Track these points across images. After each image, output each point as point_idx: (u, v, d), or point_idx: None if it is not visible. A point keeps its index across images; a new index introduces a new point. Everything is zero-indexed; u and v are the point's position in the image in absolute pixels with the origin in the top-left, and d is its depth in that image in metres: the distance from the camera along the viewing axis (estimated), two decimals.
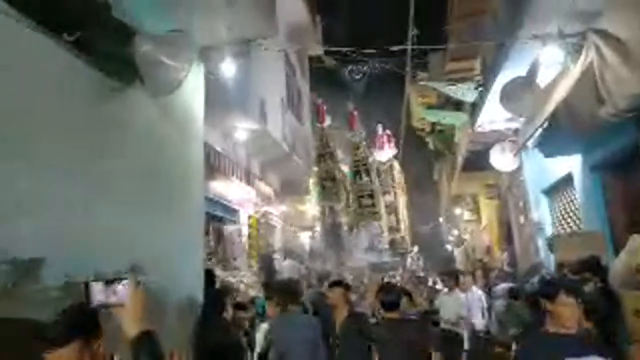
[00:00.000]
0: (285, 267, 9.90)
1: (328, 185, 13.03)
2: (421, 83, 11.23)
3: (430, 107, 13.17)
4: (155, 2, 3.53)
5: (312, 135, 13.55)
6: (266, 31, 4.64)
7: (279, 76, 10.09)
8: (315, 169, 13.32)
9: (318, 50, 13.41)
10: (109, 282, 1.45)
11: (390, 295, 3.94)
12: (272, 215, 11.16)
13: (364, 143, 14.70)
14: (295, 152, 10.82)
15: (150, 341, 1.42)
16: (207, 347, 3.60)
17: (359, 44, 7.21)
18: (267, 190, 10.96)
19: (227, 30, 4.29)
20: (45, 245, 2.67)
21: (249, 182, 9.60)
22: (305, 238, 14.09)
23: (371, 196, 14.50)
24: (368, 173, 14.52)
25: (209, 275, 4.57)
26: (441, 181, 22.68)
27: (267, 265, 9.53)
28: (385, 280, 10.55)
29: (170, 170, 4.13)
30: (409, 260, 15.34)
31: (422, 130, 14.80)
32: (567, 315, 2.56)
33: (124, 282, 1.45)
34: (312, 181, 13.58)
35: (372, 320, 4.46)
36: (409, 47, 8.94)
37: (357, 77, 11.14)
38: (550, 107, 5.39)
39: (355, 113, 14.80)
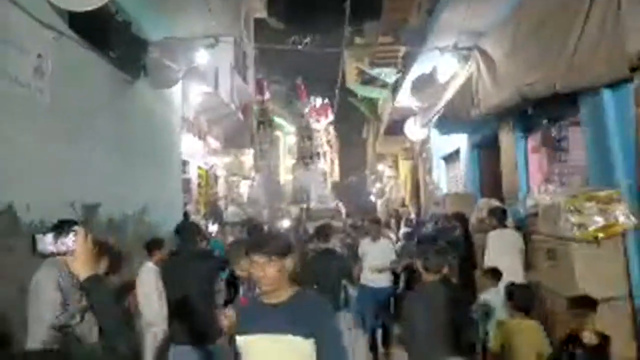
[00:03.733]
0: (229, 213, 11.42)
1: (265, 147, 14.75)
2: (355, 66, 12.78)
3: (362, 73, 14.89)
4: (159, 17, 4.72)
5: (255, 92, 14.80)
6: (233, 31, 5.92)
7: (228, 43, 11.10)
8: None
9: (263, 13, 14.38)
10: (57, 234, 1.49)
11: (323, 230, 5.44)
12: (217, 166, 12.51)
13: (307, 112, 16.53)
14: (240, 110, 12.06)
15: (99, 283, 1.50)
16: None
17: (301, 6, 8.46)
18: (214, 143, 12.21)
19: (204, 31, 5.56)
20: (98, 195, 4.05)
21: (199, 137, 10.80)
22: (244, 187, 15.66)
23: (311, 157, 16.74)
24: (310, 139, 16.64)
25: (185, 215, 6.05)
26: (368, 139, 24.93)
27: (214, 212, 11.00)
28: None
29: (161, 136, 5.47)
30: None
31: (355, 96, 16.57)
32: (256, 276, 1.98)
33: (71, 233, 1.49)
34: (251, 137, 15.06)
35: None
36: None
37: (299, 46, 12.40)
38: (443, 100, 7.23)
39: (303, 87, 16.32)
